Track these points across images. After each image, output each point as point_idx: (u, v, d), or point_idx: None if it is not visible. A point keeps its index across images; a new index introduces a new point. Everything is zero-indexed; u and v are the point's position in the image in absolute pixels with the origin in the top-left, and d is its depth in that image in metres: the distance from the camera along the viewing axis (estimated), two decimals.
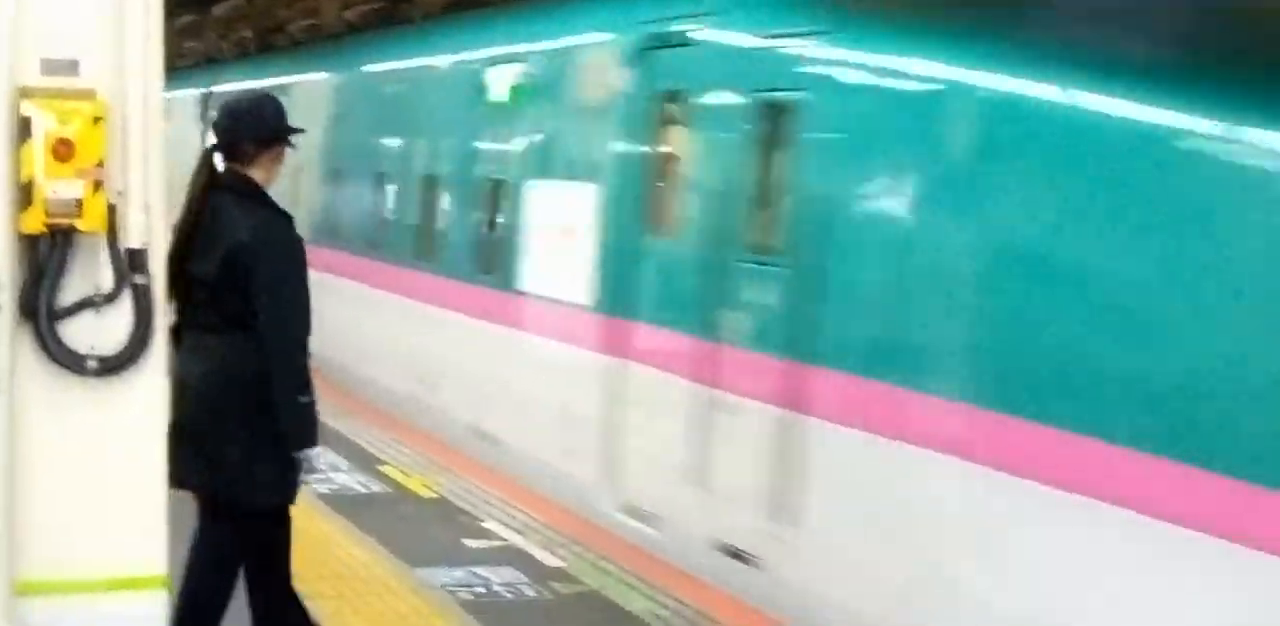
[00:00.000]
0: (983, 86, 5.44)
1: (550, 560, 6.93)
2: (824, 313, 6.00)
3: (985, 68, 5.46)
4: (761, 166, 6.40)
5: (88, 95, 4.26)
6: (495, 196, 9.35)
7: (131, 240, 4.33)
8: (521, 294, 8.76)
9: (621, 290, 7.50)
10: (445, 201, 10.33)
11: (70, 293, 4.34)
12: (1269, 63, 5.03)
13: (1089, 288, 5.01)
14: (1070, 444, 4.92)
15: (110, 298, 4.36)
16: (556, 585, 6.60)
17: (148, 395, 4.41)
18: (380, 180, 11.65)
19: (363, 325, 11.47)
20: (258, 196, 5.13)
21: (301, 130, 5.29)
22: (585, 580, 6.71)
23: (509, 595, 6.46)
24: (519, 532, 7.30)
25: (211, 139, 5.24)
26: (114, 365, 4.36)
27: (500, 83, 9.25)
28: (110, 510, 4.39)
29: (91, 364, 4.35)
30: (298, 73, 14.37)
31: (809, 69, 6.08)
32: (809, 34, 6.12)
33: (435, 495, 7.87)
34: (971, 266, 5.37)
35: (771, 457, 6.04)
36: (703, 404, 6.57)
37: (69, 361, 4.33)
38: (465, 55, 10.13)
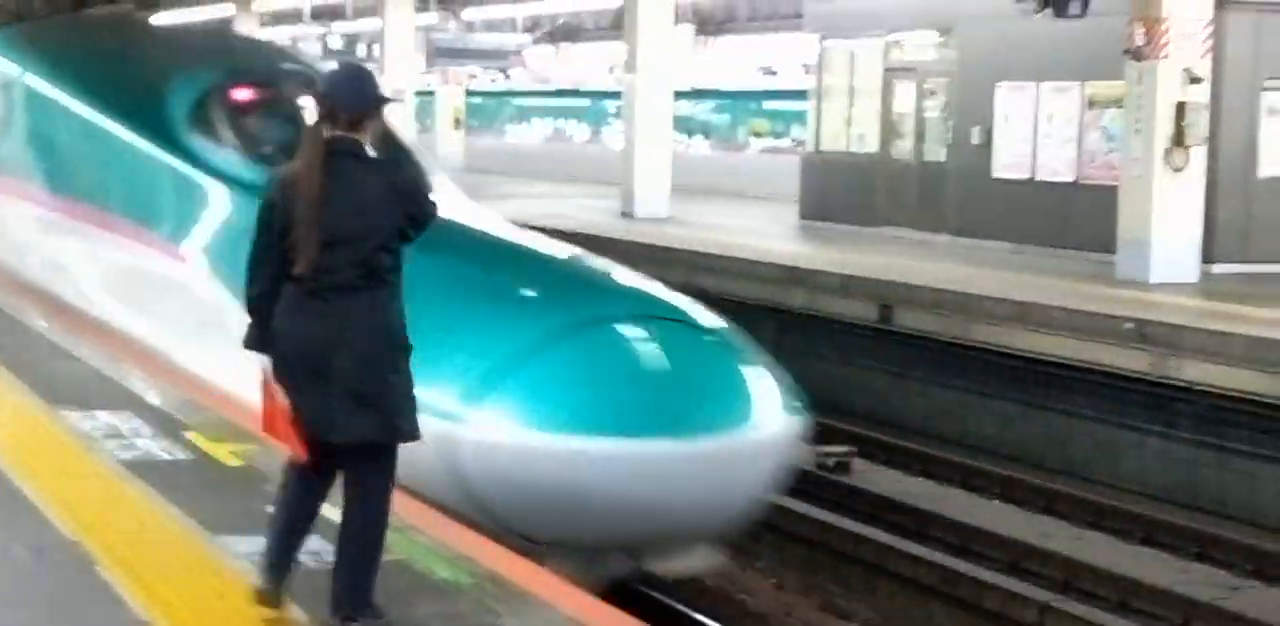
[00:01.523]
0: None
1: None
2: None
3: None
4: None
5: None
6: None
7: None
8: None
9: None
10: None
11: None
12: None
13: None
14: None
15: None
16: None
17: None
18: None
19: None
20: (369, 158, 5.53)
21: (393, 100, 5.75)
22: (393, 549, 6.59)
23: (313, 563, 6.26)
24: (326, 501, 7.16)
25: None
26: None
27: None
28: None
29: None
30: None
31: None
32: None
33: (241, 463, 7.71)
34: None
35: None
36: None
37: None
38: None
